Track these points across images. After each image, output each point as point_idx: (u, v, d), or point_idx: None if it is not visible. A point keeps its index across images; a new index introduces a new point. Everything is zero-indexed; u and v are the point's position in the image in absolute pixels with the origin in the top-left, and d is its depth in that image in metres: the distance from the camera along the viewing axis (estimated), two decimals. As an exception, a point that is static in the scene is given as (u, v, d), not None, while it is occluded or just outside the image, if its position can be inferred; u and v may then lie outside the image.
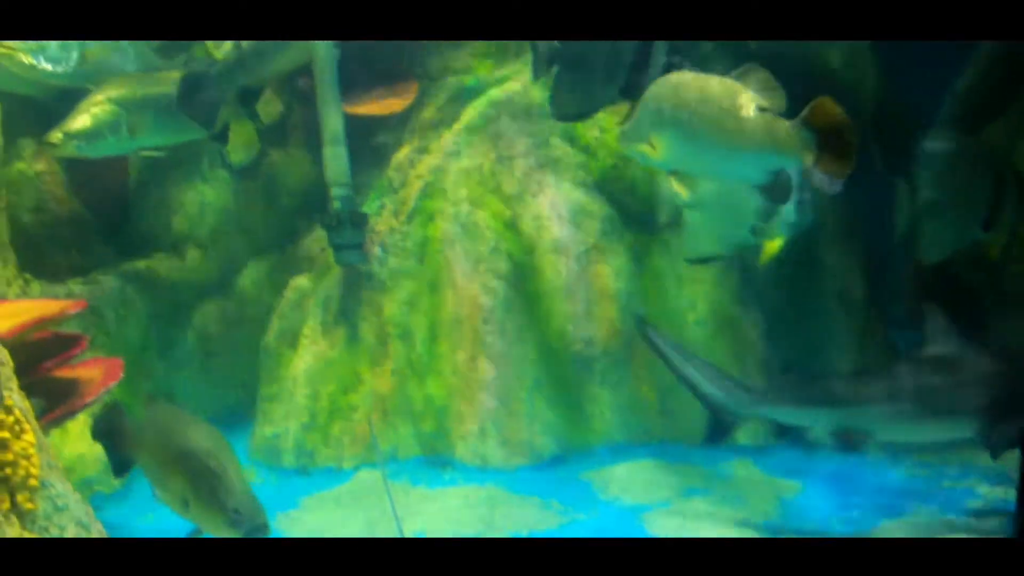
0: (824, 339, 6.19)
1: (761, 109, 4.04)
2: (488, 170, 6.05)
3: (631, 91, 4.79)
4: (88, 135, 5.49)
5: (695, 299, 5.92)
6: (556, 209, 5.93)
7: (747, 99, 4.08)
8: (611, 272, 5.88)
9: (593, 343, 5.82)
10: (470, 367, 5.76)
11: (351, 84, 6.23)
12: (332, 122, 5.93)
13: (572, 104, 5.06)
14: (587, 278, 5.86)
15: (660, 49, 5.09)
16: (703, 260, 5.74)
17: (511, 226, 5.97)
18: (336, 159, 5.93)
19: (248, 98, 6.11)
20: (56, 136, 5.47)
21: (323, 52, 5.92)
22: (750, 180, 4.49)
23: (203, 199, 6.66)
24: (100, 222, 6.48)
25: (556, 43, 5.06)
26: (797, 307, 6.20)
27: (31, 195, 6.14)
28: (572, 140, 6.07)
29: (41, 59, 5.54)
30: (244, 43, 5.94)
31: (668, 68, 4.80)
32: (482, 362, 5.76)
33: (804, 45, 5.70)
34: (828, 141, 3.79)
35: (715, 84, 4.28)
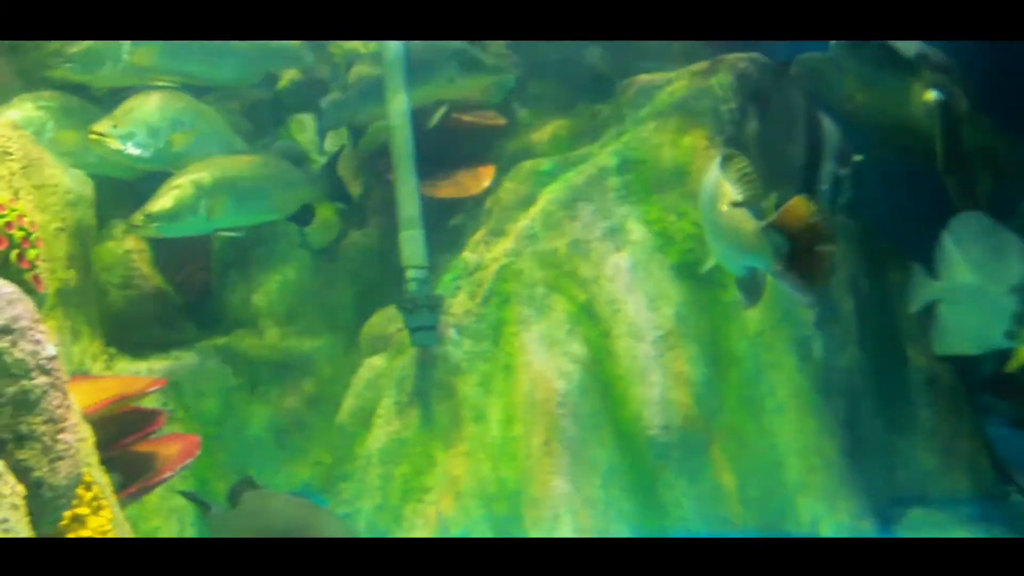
0: (910, 427, 6.02)
1: (735, 204, 3.91)
2: (564, 253, 6.04)
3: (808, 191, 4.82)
4: (168, 216, 5.66)
5: (774, 385, 5.80)
6: (632, 293, 5.90)
7: (723, 193, 3.96)
8: (688, 357, 5.80)
9: (670, 429, 5.73)
10: (544, 451, 5.69)
11: (429, 167, 6.33)
12: (409, 204, 6.02)
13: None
14: (663, 363, 5.78)
15: (830, 155, 5.11)
16: (951, 356, 5.71)
17: (586, 310, 5.94)
18: (413, 241, 5.99)
19: (355, 138, 6.63)
20: (138, 218, 5.65)
21: (400, 134, 6.05)
22: (734, 273, 4.43)
23: (283, 278, 6.79)
24: (183, 299, 6.65)
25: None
26: (882, 393, 6.06)
27: (120, 272, 6.35)
28: (649, 224, 6.06)
29: (129, 144, 5.75)
30: (348, 83, 6.29)
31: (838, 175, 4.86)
32: (556, 446, 5.68)
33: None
34: (800, 248, 3.61)
35: (710, 175, 4.19)
